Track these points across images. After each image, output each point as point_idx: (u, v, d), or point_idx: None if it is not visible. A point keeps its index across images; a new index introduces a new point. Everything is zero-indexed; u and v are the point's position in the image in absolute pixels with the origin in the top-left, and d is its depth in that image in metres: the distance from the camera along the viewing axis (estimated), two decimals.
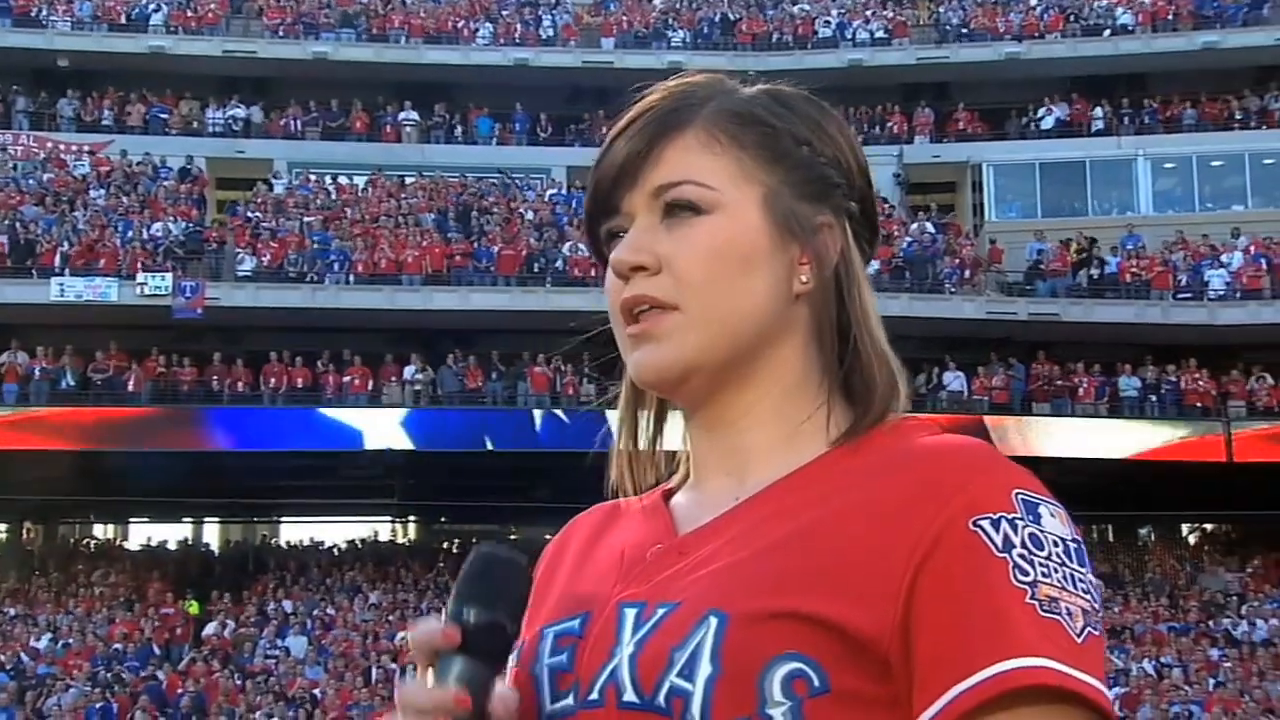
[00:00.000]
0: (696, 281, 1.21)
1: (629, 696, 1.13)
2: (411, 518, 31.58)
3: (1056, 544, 1.10)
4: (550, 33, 33.15)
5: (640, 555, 1.23)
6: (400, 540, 31.16)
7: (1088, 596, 1.09)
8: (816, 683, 1.08)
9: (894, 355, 1.25)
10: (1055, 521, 1.11)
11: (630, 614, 1.17)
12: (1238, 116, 31.83)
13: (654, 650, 1.13)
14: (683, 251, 1.21)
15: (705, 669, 1.09)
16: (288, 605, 23.99)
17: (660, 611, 1.15)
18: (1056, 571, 1.09)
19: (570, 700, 1.17)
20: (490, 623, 1.14)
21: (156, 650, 22.49)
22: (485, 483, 26.35)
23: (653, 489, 1.33)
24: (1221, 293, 27.72)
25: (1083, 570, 1.11)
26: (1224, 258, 28.23)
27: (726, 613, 1.11)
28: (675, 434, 1.34)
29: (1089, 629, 1.08)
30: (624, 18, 33.68)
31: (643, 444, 1.33)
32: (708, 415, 1.26)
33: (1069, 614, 1.07)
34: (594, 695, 1.15)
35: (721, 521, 1.21)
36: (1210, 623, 24.27)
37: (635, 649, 1.14)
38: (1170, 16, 32.27)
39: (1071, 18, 32.83)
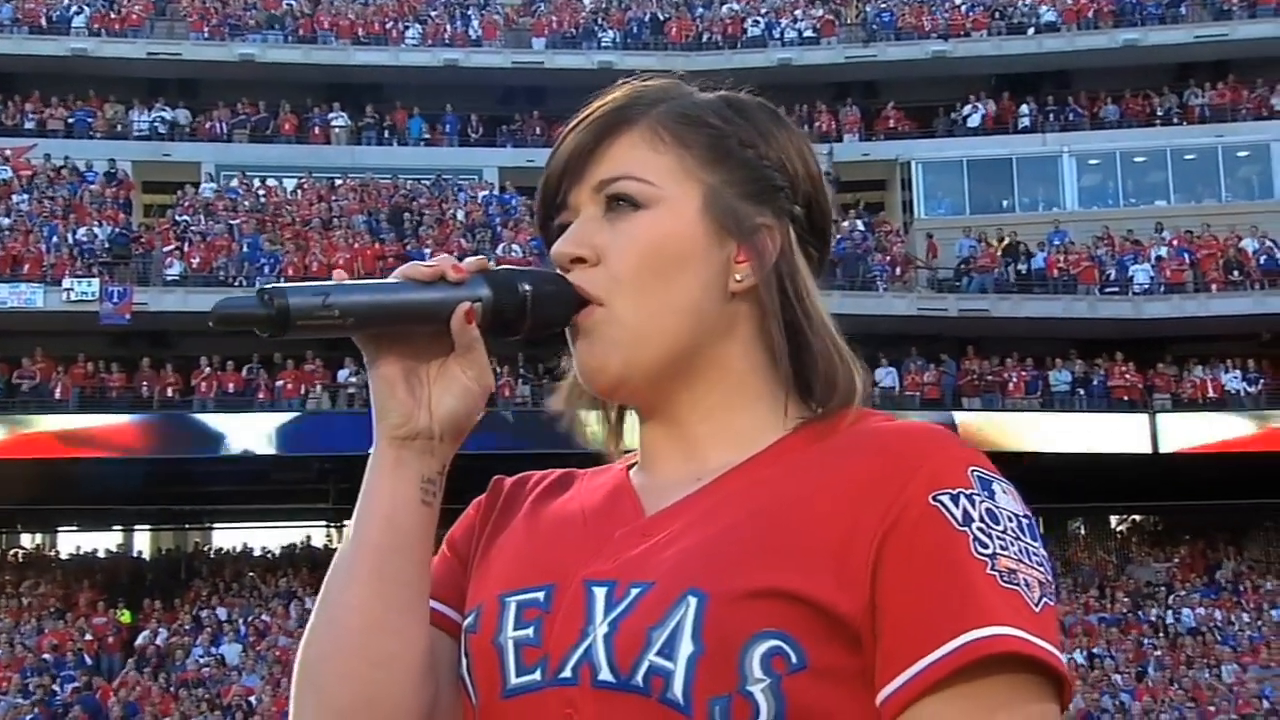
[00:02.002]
0: (628, 275, 1.23)
1: (604, 676, 1.13)
2: (346, 522, 31.08)
3: (1011, 519, 1.13)
4: (479, 33, 33.03)
5: (605, 532, 1.24)
6: (335, 545, 30.94)
7: (1041, 569, 1.13)
8: (794, 659, 1.10)
9: (850, 352, 1.27)
10: (1008, 498, 1.15)
11: (600, 593, 1.17)
12: (1159, 113, 32.27)
13: (630, 630, 1.13)
14: (619, 244, 1.24)
15: (687, 648, 1.10)
16: (221, 612, 23.75)
17: (634, 592, 1.15)
18: (1013, 545, 1.12)
19: (538, 675, 1.18)
20: (516, 286, 1.23)
21: (88, 660, 22.19)
22: None
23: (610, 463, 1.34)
24: (1146, 287, 28.15)
25: (1035, 544, 1.14)
26: (1148, 252, 28.67)
27: (706, 591, 1.12)
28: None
29: (1045, 599, 1.12)
30: (554, 18, 33.63)
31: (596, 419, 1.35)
32: (657, 412, 1.28)
33: (1027, 585, 1.11)
34: (566, 673, 1.16)
35: (686, 503, 1.22)
36: (1139, 612, 24.64)
37: (610, 629, 1.15)
38: (1092, 14, 32.69)
39: (996, 15, 33.15)
